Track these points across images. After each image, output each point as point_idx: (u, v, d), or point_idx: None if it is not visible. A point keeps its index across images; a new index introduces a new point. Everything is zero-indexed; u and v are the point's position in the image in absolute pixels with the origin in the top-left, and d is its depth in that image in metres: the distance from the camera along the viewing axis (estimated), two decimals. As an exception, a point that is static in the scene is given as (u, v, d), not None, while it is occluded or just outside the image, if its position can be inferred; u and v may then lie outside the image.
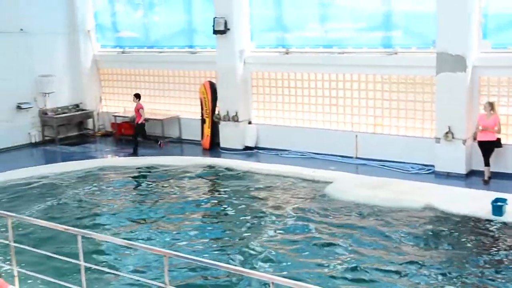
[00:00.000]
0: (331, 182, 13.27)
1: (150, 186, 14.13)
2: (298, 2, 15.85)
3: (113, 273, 7.84)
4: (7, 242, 7.15)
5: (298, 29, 16.21)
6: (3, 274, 7.71)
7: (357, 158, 14.99)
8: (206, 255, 9.43)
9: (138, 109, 16.95)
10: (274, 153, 16.10)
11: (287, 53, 16.36)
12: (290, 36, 16.36)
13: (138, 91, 19.41)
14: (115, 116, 19.19)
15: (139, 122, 17.00)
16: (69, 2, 19.41)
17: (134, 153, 16.82)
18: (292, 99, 16.33)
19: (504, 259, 9.37)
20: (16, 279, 7.00)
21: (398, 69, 14.50)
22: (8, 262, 8.19)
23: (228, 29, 16.25)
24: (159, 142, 17.53)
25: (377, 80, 14.92)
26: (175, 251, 6.78)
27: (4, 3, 17.24)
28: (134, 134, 17.36)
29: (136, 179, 14.80)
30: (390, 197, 12.09)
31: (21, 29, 17.90)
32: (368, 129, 15.10)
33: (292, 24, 16.24)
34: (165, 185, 14.06)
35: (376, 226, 10.85)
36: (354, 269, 9.08)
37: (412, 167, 14.06)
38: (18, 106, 17.88)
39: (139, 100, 17.14)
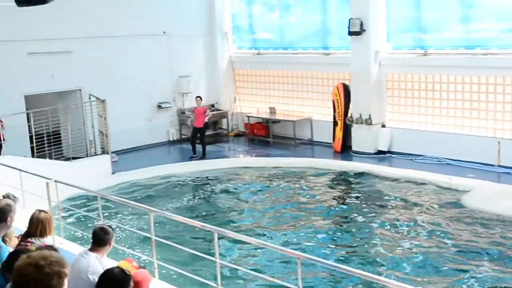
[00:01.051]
0: (469, 191, 12.78)
1: (281, 187, 14.34)
2: (438, 2, 15.39)
3: (246, 271, 8.08)
4: (149, 235, 7.60)
5: (438, 29, 15.74)
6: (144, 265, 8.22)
7: (499, 166, 14.27)
8: (336, 261, 9.46)
9: (205, 111, 17.09)
10: (408, 157, 15.73)
11: (425, 54, 15.95)
12: (428, 37, 15.93)
13: (271, 92, 19.88)
14: (249, 116, 19.68)
15: (203, 125, 17.05)
16: (208, 5, 20.23)
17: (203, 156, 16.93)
18: (429, 102, 15.87)
19: None
20: (156, 271, 7.44)
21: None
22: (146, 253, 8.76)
23: (364, 30, 16.12)
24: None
25: (524, 83, 14.15)
26: (306, 254, 6.90)
27: (150, 8, 18.30)
28: (201, 138, 17.15)
29: (268, 180, 15.08)
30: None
31: (164, 32, 18.91)
32: (512, 136, 14.34)
33: (431, 25, 15.80)
34: (295, 187, 14.22)
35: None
36: None
37: None
38: (159, 105, 18.94)
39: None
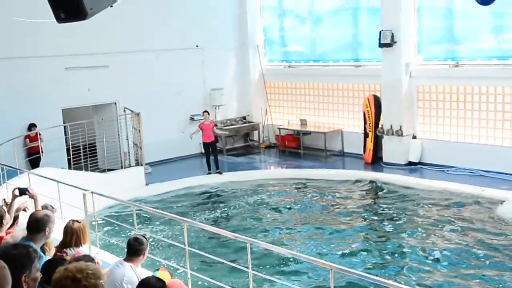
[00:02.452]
0: (502, 202, 12.60)
1: (312, 199, 14.34)
2: (470, 13, 15.22)
3: (279, 282, 8.10)
4: (182, 246, 7.67)
5: (469, 40, 15.58)
6: (177, 275, 8.29)
7: (534, 177, 14.06)
8: (366, 271, 9.43)
9: (213, 127, 16.59)
10: (439, 169, 15.57)
11: (456, 65, 15.80)
12: (460, 48, 15.78)
13: (302, 104, 19.90)
14: (280, 128, 19.72)
15: (214, 139, 16.56)
16: (240, 18, 20.40)
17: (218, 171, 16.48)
18: (460, 114, 15.72)
19: None
20: (190, 282, 7.50)
21: None
22: (182, 264, 8.84)
23: (395, 42, 16.07)
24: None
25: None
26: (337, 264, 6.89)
27: (183, 22, 18.51)
28: (213, 152, 16.53)
29: (300, 191, 15.10)
30: None
31: (197, 46, 19.12)
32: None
33: (462, 35, 15.67)
34: (327, 199, 14.22)
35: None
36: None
37: None
38: (191, 117, 19.07)
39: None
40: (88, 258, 4.98)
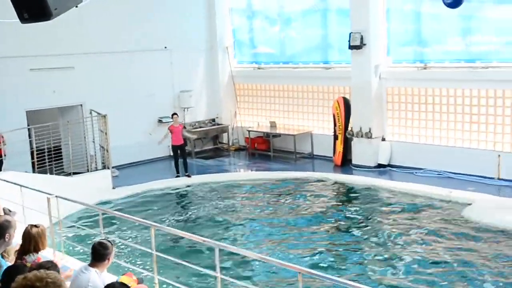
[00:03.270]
0: (469, 204, 12.80)
1: (281, 201, 14.38)
2: (438, 16, 15.44)
3: (247, 286, 8.08)
4: (149, 250, 7.60)
5: (438, 43, 15.84)
6: (144, 280, 8.21)
7: (499, 179, 14.32)
8: (335, 273, 9.48)
9: (182, 129, 16.55)
10: (408, 171, 15.77)
11: (425, 68, 16.04)
12: (429, 51, 16.02)
13: (271, 106, 19.94)
14: (249, 130, 19.75)
15: (182, 142, 16.52)
16: (210, 20, 20.38)
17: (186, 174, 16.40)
18: (429, 116, 15.95)
19: None
20: (157, 286, 7.44)
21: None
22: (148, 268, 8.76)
23: (364, 44, 16.23)
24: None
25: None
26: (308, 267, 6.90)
27: (151, 23, 18.40)
28: (182, 155, 16.52)
29: (269, 193, 15.12)
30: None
31: (165, 47, 19.04)
32: (512, 149, 14.40)
33: (431, 38, 15.91)
34: (295, 201, 14.27)
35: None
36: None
37: None
38: (160, 120, 18.96)
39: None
40: (49, 264, 4.90)
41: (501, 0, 14.42)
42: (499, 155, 14.39)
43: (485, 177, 14.48)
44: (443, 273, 9.79)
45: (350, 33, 16.43)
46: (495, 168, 14.42)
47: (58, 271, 5.06)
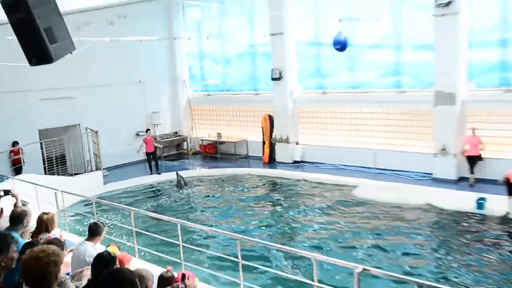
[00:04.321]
0: (356, 186, 13.22)
1: (226, 189, 14.41)
2: (332, 57, 15.73)
3: (200, 250, 8.13)
4: (130, 228, 7.58)
5: (333, 75, 16.09)
6: (126, 249, 8.15)
7: (375, 168, 14.82)
8: (267, 239, 9.60)
9: (153, 140, 16.18)
10: (314, 165, 16.04)
11: (324, 93, 16.37)
12: (327, 81, 16.24)
13: (218, 121, 19.93)
14: (202, 139, 19.66)
15: (153, 150, 16.12)
16: (171, 60, 20.16)
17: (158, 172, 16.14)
18: (328, 126, 16.27)
19: (485, 238, 9.26)
20: (136, 253, 7.43)
21: (406, 104, 14.27)
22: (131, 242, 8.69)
23: (282, 77, 16.48)
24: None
25: (390, 111, 14.75)
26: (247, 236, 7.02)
27: (129, 64, 18.13)
28: (153, 159, 16.24)
29: (217, 185, 15.13)
30: (401, 196, 11.99)
31: (140, 81, 18.78)
32: (384, 147, 14.90)
33: (328, 72, 16.13)
34: (237, 189, 14.33)
35: (393, 218, 10.78)
36: (376, 246, 9.11)
37: (416, 175, 13.80)
38: (137, 133, 18.65)
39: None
40: (56, 241, 4.87)
41: (375, 46, 14.88)
42: (375, 152, 14.89)
43: (366, 167, 14.88)
44: (339, 233, 10.11)
45: (272, 69, 16.65)
46: (372, 161, 14.87)
47: (63, 246, 5.03)
